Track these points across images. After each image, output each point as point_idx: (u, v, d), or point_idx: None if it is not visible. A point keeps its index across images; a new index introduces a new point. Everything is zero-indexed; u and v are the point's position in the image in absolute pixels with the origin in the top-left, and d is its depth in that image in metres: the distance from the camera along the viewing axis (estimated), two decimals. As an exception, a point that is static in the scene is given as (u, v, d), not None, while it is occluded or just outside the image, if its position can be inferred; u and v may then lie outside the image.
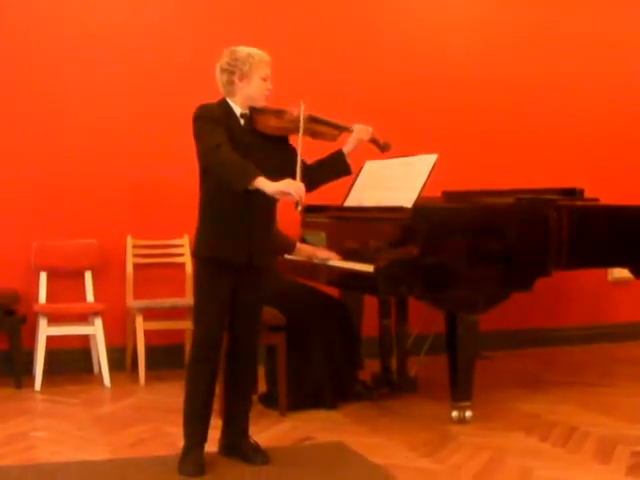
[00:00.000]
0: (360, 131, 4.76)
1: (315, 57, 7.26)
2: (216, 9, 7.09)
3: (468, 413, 5.27)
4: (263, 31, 6.91)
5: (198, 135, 4.34)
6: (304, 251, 5.70)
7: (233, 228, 4.41)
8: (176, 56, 6.91)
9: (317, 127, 4.67)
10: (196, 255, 4.51)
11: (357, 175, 6.10)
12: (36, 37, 6.72)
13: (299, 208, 4.26)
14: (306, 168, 4.55)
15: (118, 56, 6.89)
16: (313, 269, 5.76)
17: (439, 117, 7.58)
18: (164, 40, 6.97)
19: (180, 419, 4.50)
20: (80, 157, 6.81)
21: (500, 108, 7.80)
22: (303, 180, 4.34)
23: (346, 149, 4.73)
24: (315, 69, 7.19)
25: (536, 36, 7.90)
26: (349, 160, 4.73)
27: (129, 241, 6.87)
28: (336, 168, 4.72)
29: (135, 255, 6.89)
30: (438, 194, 6.70)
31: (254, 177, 4.16)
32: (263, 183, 4.17)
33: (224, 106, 4.45)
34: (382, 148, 4.94)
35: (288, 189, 4.19)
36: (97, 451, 4.83)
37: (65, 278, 6.78)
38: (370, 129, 4.80)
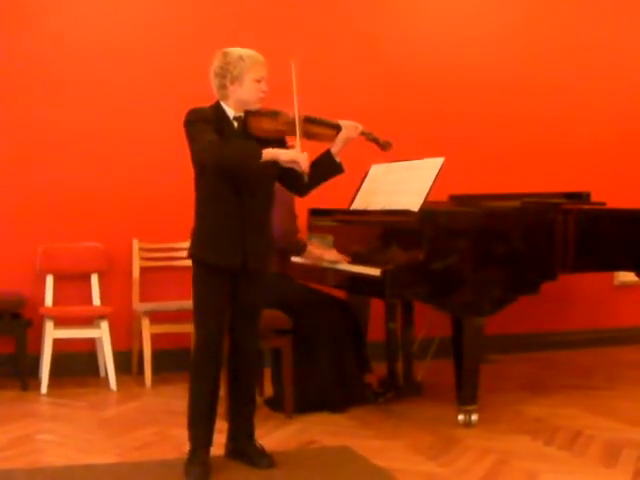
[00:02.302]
0: (348, 129, 4.68)
1: (321, 61, 7.25)
2: (214, 12, 7.09)
3: (474, 416, 5.27)
4: (267, 34, 6.92)
5: (191, 138, 4.34)
6: (313, 253, 5.72)
7: (226, 232, 4.40)
8: (178, 59, 6.91)
9: (313, 128, 4.61)
10: (192, 258, 4.50)
11: (364, 179, 6.11)
12: (38, 42, 6.74)
13: (306, 178, 4.35)
14: (296, 173, 4.55)
15: (121, 60, 6.90)
16: (320, 272, 5.76)
17: (446, 121, 7.59)
18: (165, 43, 6.97)
19: (186, 422, 4.51)
20: (86, 160, 6.82)
21: (506, 112, 7.80)
22: (288, 181, 4.56)
23: (334, 149, 4.66)
24: (320, 73, 7.18)
25: (542, 42, 7.90)
26: (339, 159, 4.66)
27: (135, 244, 6.88)
28: (326, 168, 4.64)
29: (141, 258, 6.89)
30: (445, 198, 6.73)
31: (260, 151, 4.23)
32: (272, 153, 4.25)
33: (217, 110, 4.44)
34: (382, 147, 4.89)
35: (297, 158, 4.27)
36: (103, 454, 4.83)
37: (71, 281, 6.79)
38: (359, 126, 4.72)
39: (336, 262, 5.61)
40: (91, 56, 6.85)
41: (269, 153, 4.25)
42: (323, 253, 5.69)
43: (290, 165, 4.31)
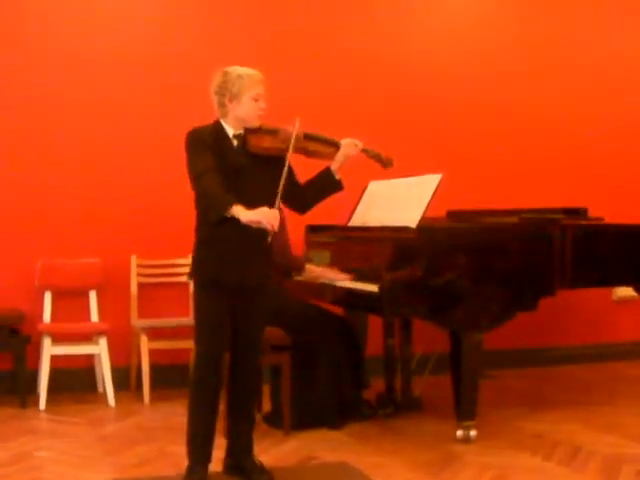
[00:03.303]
0: (347, 146, 4.70)
1: (316, 75, 7.27)
2: (214, 27, 7.12)
3: (472, 432, 5.26)
4: (263, 48, 6.96)
5: (188, 162, 4.40)
6: (313, 272, 5.72)
7: (224, 250, 4.41)
8: (180, 75, 6.93)
9: (311, 145, 4.63)
10: (192, 278, 4.54)
11: (362, 195, 6.12)
12: (40, 53, 6.75)
13: (269, 239, 4.30)
14: (299, 189, 4.57)
15: (123, 75, 6.91)
16: (318, 288, 5.76)
17: (443, 137, 7.60)
18: (167, 59, 6.99)
19: (184, 439, 4.50)
20: (85, 176, 6.83)
21: (504, 128, 7.81)
22: (288, 198, 4.51)
23: (334, 166, 4.68)
24: (316, 87, 7.21)
25: (540, 56, 7.92)
26: (338, 176, 4.67)
27: (133, 260, 6.88)
28: (326, 186, 4.66)
29: (139, 274, 6.90)
30: (442, 214, 6.72)
31: (227, 207, 4.22)
32: (237, 211, 4.23)
33: (217, 128, 4.47)
34: (384, 164, 4.91)
35: (259, 218, 4.22)
36: (101, 471, 4.82)
37: (69, 297, 6.79)
38: (358, 143, 4.74)
39: (335, 280, 5.60)
40: (93, 69, 6.86)
41: (235, 211, 4.22)
42: (324, 272, 5.70)
43: (254, 225, 4.27)
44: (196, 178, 4.32)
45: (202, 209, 4.39)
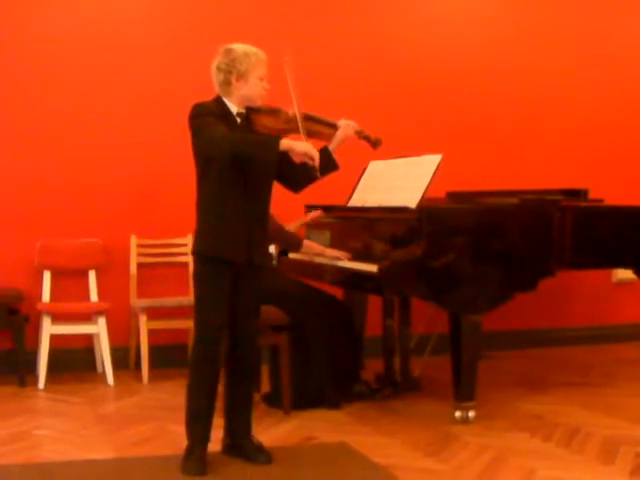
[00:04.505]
0: (345, 127, 4.71)
1: (317, 57, 7.25)
2: (214, 8, 7.09)
3: (471, 413, 5.27)
4: (264, 30, 6.90)
5: (198, 131, 4.31)
6: (312, 249, 5.71)
7: (233, 227, 4.39)
8: (178, 57, 6.91)
9: (313, 126, 4.63)
10: (197, 254, 4.47)
11: (361, 175, 6.11)
12: (35, 41, 6.72)
13: (317, 173, 4.38)
14: (293, 168, 4.55)
15: (120, 57, 6.89)
16: (317, 269, 5.75)
17: (443, 118, 7.59)
18: (164, 41, 6.97)
19: (184, 418, 4.50)
20: (84, 156, 6.81)
21: (504, 109, 7.80)
22: (283, 177, 4.61)
23: (332, 146, 4.68)
24: (317, 68, 7.18)
25: (540, 38, 7.90)
26: (335, 156, 4.67)
27: (133, 240, 6.88)
28: (324, 165, 4.58)
29: (139, 254, 6.89)
30: (442, 194, 6.72)
31: (277, 141, 4.22)
32: (287, 143, 4.25)
33: (220, 104, 4.43)
34: (373, 144, 4.87)
35: (312, 151, 4.29)
36: (100, 450, 4.83)
37: (69, 277, 6.79)
38: (355, 124, 4.75)
39: (337, 259, 5.60)
40: (90, 53, 6.83)
41: (285, 143, 4.25)
42: (324, 250, 5.69)
43: (302, 157, 4.31)
44: (221, 137, 4.21)
45: (253, 153, 4.28)
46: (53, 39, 6.76)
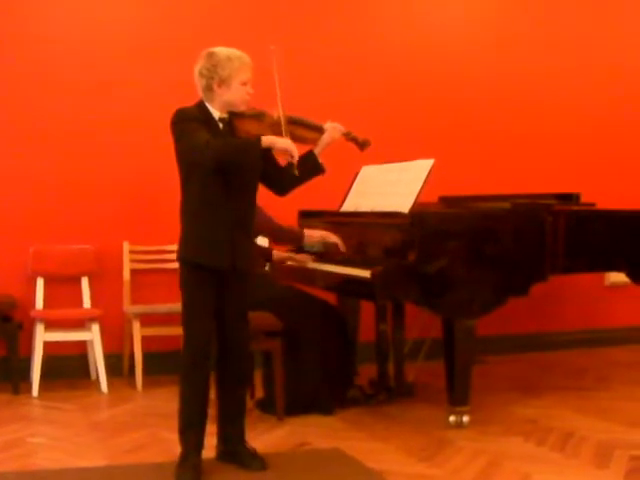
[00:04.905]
0: (331, 130, 4.70)
1: (310, 59, 7.25)
2: (206, 11, 7.09)
3: (465, 418, 5.27)
4: (253, 31, 6.90)
5: (181, 136, 4.30)
6: (314, 237, 5.70)
7: (216, 233, 4.38)
8: (170, 61, 6.89)
9: (297, 130, 4.60)
10: (181, 260, 4.46)
11: (354, 180, 6.11)
12: (31, 48, 6.72)
13: (296, 171, 4.37)
14: (279, 171, 4.54)
15: (114, 61, 6.88)
16: (309, 274, 5.75)
17: (436, 122, 7.59)
18: (157, 44, 6.97)
19: (177, 425, 4.49)
20: (77, 163, 6.80)
21: (497, 113, 7.81)
22: (269, 180, 4.62)
23: (317, 149, 4.67)
24: (309, 71, 7.20)
25: (534, 41, 7.92)
26: (320, 159, 4.66)
27: (126, 246, 6.87)
28: (309, 169, 4.60)
29: (132, 260, 6.89)
30: (435, 199, 6.72)
31: (258, 142, 4.26)
32: (269, 139, 4.29)
33: (202, 109, 4.41)
34: (361, 146, 4.86)
35: (292, 148, 4.30)
36: (94, 457, 4.81)
37: (62, 284, 6.78)
38: (341, 127, 4.74)
39: (339, 244, 5.60)
40: (85, 57, 6.83)
41: (267, 140, 4.27)
42: (325, 235, 5.68)
43: (284, 155, 4.32)
44: (205, 144, 4.19)
45: (236, 156, 4.30)
46: (49, 42, 6.75)
